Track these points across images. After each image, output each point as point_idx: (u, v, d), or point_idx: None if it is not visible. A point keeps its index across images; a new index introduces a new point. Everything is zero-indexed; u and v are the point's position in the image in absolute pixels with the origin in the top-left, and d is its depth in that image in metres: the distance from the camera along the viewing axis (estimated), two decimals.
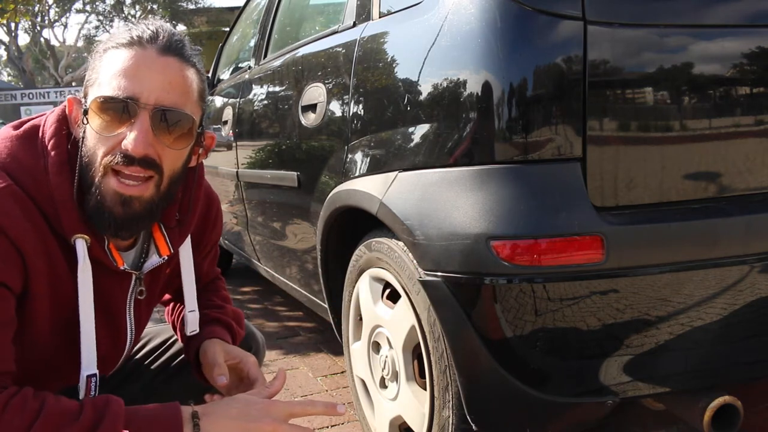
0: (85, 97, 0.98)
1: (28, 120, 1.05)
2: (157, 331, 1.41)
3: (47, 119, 1.02)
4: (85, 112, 0.96)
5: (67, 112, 1.01)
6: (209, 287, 1.36)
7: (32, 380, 0.96)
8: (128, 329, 1.13)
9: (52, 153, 0.96)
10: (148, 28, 0.97)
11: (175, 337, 1.36)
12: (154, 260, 1.11)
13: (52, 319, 1.00)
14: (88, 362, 1.03)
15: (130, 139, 0.92)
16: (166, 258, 1.12)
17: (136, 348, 1.35)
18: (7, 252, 0.90)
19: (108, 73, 0.95)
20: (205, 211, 1.24)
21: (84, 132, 0.97)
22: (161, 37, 0.96)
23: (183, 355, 1.32)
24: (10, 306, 0.92)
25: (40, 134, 0.99)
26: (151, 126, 0.94)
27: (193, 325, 1.21)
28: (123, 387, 1.26)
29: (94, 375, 1.04)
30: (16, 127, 1.01)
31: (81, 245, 0.98)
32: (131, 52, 0.95)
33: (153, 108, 0.94)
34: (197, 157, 1.09)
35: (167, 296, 1.36)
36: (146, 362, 1.35)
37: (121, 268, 1.06)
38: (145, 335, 1.38)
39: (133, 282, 1.10)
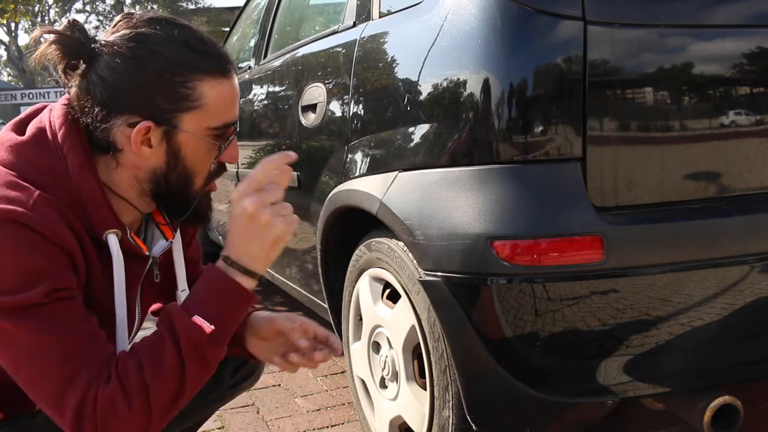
0: (170, 113, 0.98)
1: (26, 118, 1.04)
2: None
3: (52, 119, 1.01)
4: (166, 132, 0.98)
5: (134, 138, 0.98)
6: None
7: None
8: (136, 313, 1.14)
9: (70, 155, 0.97)
10: (217, 50, 1.01)
11: None
12: (162, 244, 1.13)
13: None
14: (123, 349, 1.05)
15: (232, 153, 1.05)
16: (172, 242, 1.14)
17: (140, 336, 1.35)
18: (60, 258, 0.92)
19: (219, 103, 1.00)
20: None
21: (174, 149, 1.00)
22: (230, 60, 1.03)
23: None
24: (81, 303, 0.95)
25: (50, 136, 0.99)
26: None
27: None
28: None
29: None
30: (20, 131, 1.01)
31: (114, 240, 1.00)
32: (232, 82, 1.02)
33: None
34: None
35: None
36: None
37: (146, 253, 1.08)
38: (150, 327, 1.38)
39: (147, 266, 1.11)
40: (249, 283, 0.97)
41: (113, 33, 0.97)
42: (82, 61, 0.96)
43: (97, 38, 0.98)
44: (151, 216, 1.13)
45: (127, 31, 0.96)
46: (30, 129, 1.00)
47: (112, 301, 1.02)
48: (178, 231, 1.17)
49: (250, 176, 0.97)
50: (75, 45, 0.96)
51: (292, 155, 0.98)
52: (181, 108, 0.98)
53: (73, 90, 0.98)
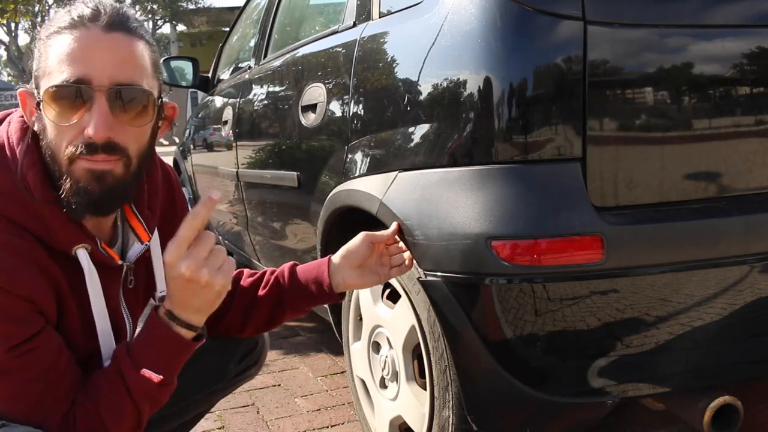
0: (36, 89, 0.94)
1: None
2: None
3: (9, 133, 0.97)
4: (38, 105, 0.93)
5: (20, 107, 0.97)
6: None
7: None
8: (126, 320, 1.13)
9: (30, 173, 0.94)
10: (88, 6, 0.93)
11: None
12: (137, 248, 1.10)
13: (73, 334, 1.02)
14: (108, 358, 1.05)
15: (90, 125, 0.89)
16: (148, 244, 1.11)
17: None
18: (18, 309, 0.90)
19: (55, 60, 0.91)
20: (166, 187, 1.22)
21: (43, 125, 0.93)
22: (103, 14, 0.93)
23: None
24: (47, 347, 0.94)
25: (9, 153, 0.95)
26: (108, 107, 0.91)
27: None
28: None
29: None
30: None
31: (83, 255, 0.98)
32: (75, 34, 0.91)
33: (108, 88, 0.90)
34: (161, 130, 1.05)
35: None
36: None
37: (119, 263, 1.06)
38: None
39: (123, 273, 1.09)
40: (191, 334, 0.99)
41: None
42: None
43: None
44: (124, 216, 1.10)
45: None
46: None
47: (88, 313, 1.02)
48: (156, 232, 1.14)
49: (177, 237, 0.92)
50: None
51: (215, 199, 0.93)
52: (38, 73, 0.94)
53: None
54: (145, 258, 1.13)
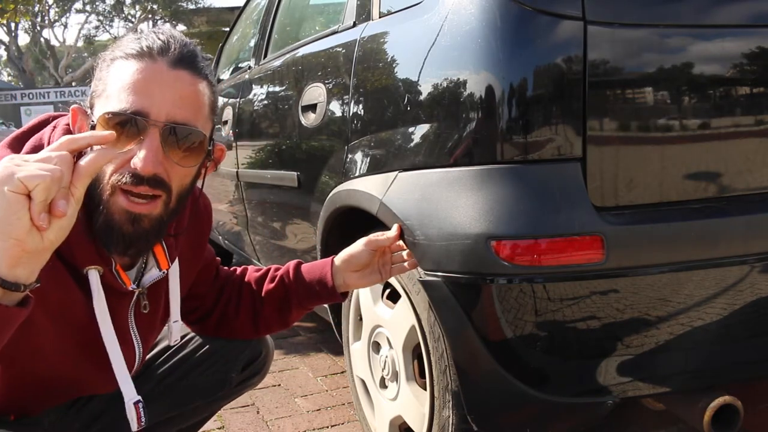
0: (91, 108, 0.94)
1: (28, 132, 0.99)
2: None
3: (53, 137, 0.96)
4: (92, 127, 0.91)
5: (71, 123, 0.96)
6: (245, 283, 1.35)
7: (55, 396, 1.04)
8: (135, 343, 1.12)
9: None
10: (159, 38, 0.93)
11: (191, 334, 1.35)
12: (153, 274, 1.08)
13: (59, 342, 1.01)
14: (128, 390, 1.05)
15: (139, 157, 0.88)
16: (166, 272, 1.10)
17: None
18: None
19: (116, 86, 0.91)
20: (194, 221, 1.20)
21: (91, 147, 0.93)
22: (172, 49, 0.92)
23: (195, 354, 1.33)
24: None
25: None
26: (161, 143, 0.90)
27: (176, 335, 1.21)
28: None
29: (140, 401, 1.06)
30: (17, 148, 0.96)
31: (94, 276, 0.97)
32: (141, 65, 0.91)
33: (163, 125, 0.90)
34: (206, 171, 1.04)
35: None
36: (156, 363, 1.35)
37: (129, 288, 1.05)
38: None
39: (135, 297, 1.09)
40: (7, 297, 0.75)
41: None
42: None
43: None
44: None
45: None
46: (26, 148, 0.96)
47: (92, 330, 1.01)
48: (177, 259, 1.13)
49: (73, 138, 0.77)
50: None
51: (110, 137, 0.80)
52: (96, 93, 0.93)
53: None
54: (165, 284, 1.13)
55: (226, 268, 1.39)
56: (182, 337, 1.37)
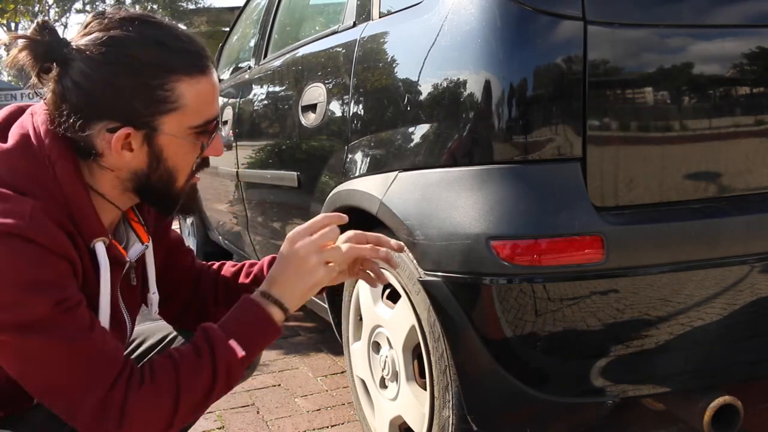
0: (150, 117, 0.96)
1: (5, 124, 1.01)
2: (152, 329, 1.41)
3: (36, 125, 0.98)
4: (150, 135, 0.98)
5: (114, 144, 0.97)
6: (217, 273, 1.36)
7: None
8: (125, 316, 1.14)
9: (60, 163, 0.96)
10: (200, 43, 1.01)
11: (174, 334, 1.36)
12: (138, 248, 1.13)
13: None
14: None
15: (217, 147, 1.06)
16: (148, 245, 1.14)
17: (132, 346, 1.35)
18: (61, 267, 0.92)
19: (196, 100, 0.99)
20: None
21: (154, 155, 0.99)
22: (208, 53, 1.03)
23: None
24: (86, 308, 0.95)
25: (36, 143, 0.96)
26: None
27: (156, 306, 1.23)
28: None
29: None
30: (1, 138, 0.98)
31: (101, 248, 1.00)
32: (210, 78, 1.01)
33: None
34: None
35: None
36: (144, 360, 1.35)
37: (127, 259, 1.08)
38: (140, 334, 1.38)
39: (124, 270, 1.11)
40: (279, 317, 1.04)
41: (85, 35, 0.94)
42: (55, 65, 0.93)
43: (69, 41, 0.95)
44: (126, 216, 1.12)
45: (100, 34, 0.93)
46: (13, 136, 0.98)
47: (96, 307, 1.02)
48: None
49: (312, 220, 1.07)
50: (46, 49, 0.93)
51: (345, 217, 1.08)
52: (160, 110, 0.97)
53: (49, 95, 0.96)
54: (141, 259, 1.16)
55: (203, 262, 1.40)
56: (168, 335, 1.38)
